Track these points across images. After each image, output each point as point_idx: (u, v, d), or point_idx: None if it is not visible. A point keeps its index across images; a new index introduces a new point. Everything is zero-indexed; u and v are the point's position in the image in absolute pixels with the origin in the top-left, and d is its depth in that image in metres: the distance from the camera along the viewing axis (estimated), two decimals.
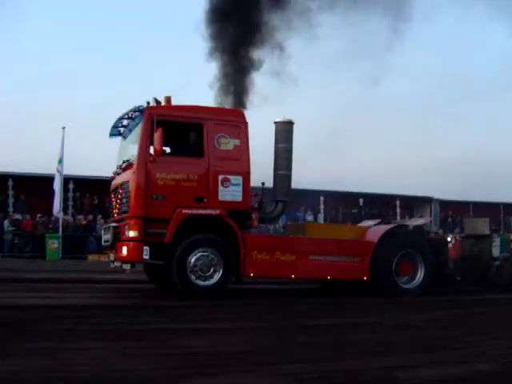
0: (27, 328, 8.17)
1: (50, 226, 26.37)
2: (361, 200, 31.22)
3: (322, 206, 31.32)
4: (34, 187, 27.12)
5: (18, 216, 26.26)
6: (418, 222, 15.28)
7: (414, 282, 13.56)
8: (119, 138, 13.45)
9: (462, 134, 48.47)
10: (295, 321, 9.55)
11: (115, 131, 13.30)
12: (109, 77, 45.90)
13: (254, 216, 12.83)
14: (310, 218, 30.53)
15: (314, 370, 5.93)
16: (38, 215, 26.28)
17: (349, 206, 32.98)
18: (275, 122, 13.89)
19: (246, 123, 12.62)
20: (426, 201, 34.98)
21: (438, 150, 44.78)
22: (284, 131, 13.84)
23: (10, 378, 5.41)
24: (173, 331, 8.26)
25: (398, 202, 33.75)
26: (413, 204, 35.71)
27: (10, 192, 27.95)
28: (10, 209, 27.50)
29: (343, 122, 43.37)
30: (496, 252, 16.42)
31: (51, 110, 35.25)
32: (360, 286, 13.72)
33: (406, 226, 14.73)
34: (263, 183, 13.79)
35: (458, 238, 17.37)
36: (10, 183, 27.80)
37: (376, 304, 12.10)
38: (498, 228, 31.71)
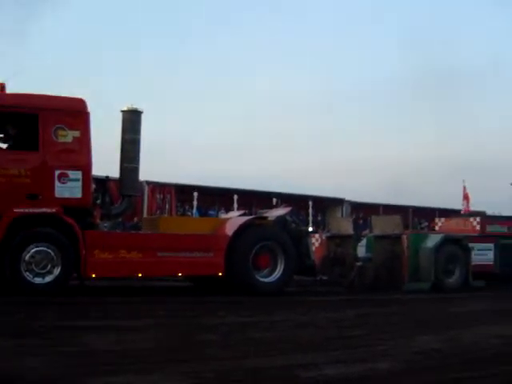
0: None
1: None
2: (274, 199, 31.25)
3: (235, 205, 31.20)
4: None
5: None
6: (278, 212, 14.82)
7: (274, 274, 13.21)
8: None
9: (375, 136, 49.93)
10: (198, 319, 9.45)
11: None
12: None
13: (95, 213, 12.26)
14: (225, 216, 30.33)
15: (216, 368, 5.87)
16: None
17: (263, 205, 33.04)
18: (122, 111, 13.07)
19: (88, 113, 11.84)
20: (337, 202, 35.46)
21: (351, 152, 45.89)
22: (131, 121, 13.05)
23: None
24: (73, 328, 8.03)
25: (310, 203, 34.02)
26: (325, 205, 36.13)
27: None
28: None
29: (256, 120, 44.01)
30: (361, 253, 16.60)
31: None
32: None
33: (265, 217, 14.25)
34: (107, 177, 13.13)
35: (323, 237, 17.31)
36: None
37: (281, 303, 12.09)
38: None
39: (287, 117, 46.04)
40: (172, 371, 5.69)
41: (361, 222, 35.06)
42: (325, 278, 16.50)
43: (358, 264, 16.06)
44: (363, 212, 35.46)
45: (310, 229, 16.88)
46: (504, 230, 17.96)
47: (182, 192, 31.39)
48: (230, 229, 13.06)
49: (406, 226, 33.68)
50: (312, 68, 50.24)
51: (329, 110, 47.75)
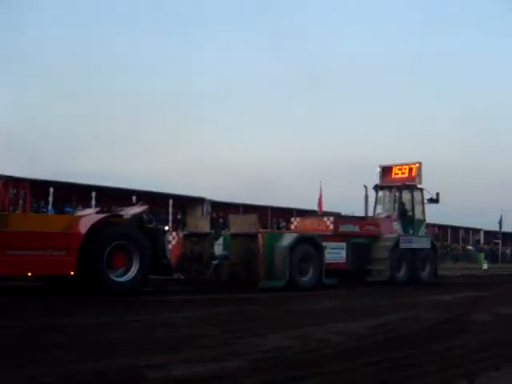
0: None
1: None
2: (134, 198, 30.79)
3: (93, 202, 30.44)
4: None
5: None
6: (134, 210, 14.63)
7: (129, 274, 13.05)
8: None
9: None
10: (46, 320, 9.07)
11: None
12: None
13: None
14: (80, 213, 29.41)
15: (60, 371, 5.63)
16: None
17: (123, 202, 32.47)
18: None
19: None
20: (198, 201, 35.55)
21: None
22: None
23: None
24: None
25: (170, 201, 33.90)
26: (185, 204, 36.11)
27: None
28: None
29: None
30: (218, 251, 16.76)
31: None
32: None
33: (121, 215, 13.97)
34: None
35: (181, 235, 17.33)
36: None
37: (135, 303, 11.87)
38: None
39: (151, 116, 45.76)
40: (14, 376, 5.40)
41: (221, 220, 35.33)
42: (182, 276, 16.41)
43: (215, 262, 16.09)
44: (223, 211, 35.82)
45: (167, 227, 16.67)
46: (356, 229, 18.69)
47: (38, 187, 30.22)
48: (83, 227, 12.67)
49: (264, 226, 34.45)
50: (169, 68, 50.12)
51: (190, 110, 47.92)
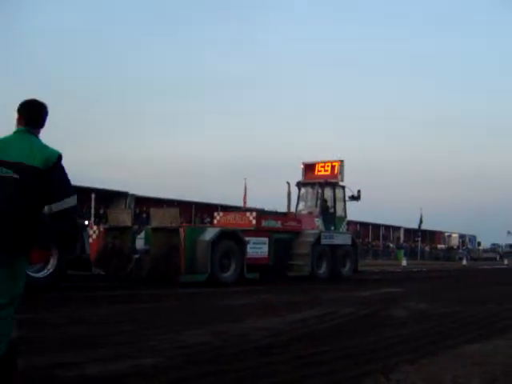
0: None
1: None
2: None
3: None
4: None
5: None
6: None
7: (47, 269, 12.66)
8: None
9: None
10: None
11: None
12: None
13: None
14: None
15: None
16: None
17: None
18: None
19: None
20: (121, 195, 35.10)
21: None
22: None
23: None
24: None
25: (93, 195, 33.31)
26: (108, 198, 35.59)
27: None
28: None
29: None
30: (140, 245, 16.58)
31: None
32: None
33: None
34: None
35: (101, 229, 17.01)
36: None
37: (52, 299, 11.52)
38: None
39: (77, 108, 44.90)
40: None
41: (144, 215, 35.01)
42: (102, 272, 16.08)
43: (136, 256, 15.81)
44: (147, 206, 35.52)
45: (86, 222, 16.25)
46: (278, 224, 18.76)
47: None
48: None
49: (189, 221, 34.32)
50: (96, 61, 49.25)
51: (116, 104, 47.15)
